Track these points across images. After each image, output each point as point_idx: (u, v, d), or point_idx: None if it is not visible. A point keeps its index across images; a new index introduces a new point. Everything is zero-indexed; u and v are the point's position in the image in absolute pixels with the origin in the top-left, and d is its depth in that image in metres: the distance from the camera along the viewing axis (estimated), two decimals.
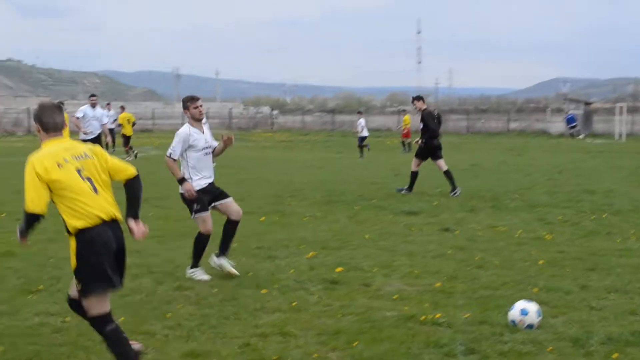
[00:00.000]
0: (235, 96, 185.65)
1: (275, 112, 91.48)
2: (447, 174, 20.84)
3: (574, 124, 62.16)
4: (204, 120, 11.16)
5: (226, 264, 10.97)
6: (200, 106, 10.96)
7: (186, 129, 10.91)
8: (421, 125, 21.23)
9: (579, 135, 61.11)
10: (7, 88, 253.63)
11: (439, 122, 21.51)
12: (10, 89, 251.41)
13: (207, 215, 10.92)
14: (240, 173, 27.38)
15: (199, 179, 10.89)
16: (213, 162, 11.25)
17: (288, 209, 17.51)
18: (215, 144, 11.19)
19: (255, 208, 17.60)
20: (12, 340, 7.69)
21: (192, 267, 10.91)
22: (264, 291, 9.79)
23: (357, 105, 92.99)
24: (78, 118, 24.58)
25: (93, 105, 25.00)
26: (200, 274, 10.79)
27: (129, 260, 11.53)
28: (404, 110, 57.17)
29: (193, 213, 10.96)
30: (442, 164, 21.01)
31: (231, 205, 11.18)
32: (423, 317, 8.50)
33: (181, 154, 10.85)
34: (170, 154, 10.83)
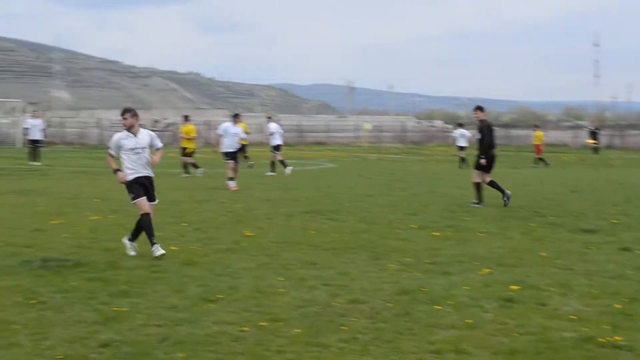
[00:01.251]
0: (409, 109, 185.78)
1: (449, 126, 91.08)
2: (492, 183, 21.36)
3: None
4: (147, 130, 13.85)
5: (128, 245, 13.41)
6: (125, 119, 13.47)
7: (118, 133, 13.66)
8: (479, 137, 21.58)
9: None
10: (187, 100, 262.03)
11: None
12: (190, 101, 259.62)
13: (142, 200, 13.32)
14: (414, 187, 27.34)
15: (131, 173, 13.36)
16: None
17: (462, 224, 17.36)
18: (149, 144, 13.64)
19: (429, 222, 17.56)
20: (193, 348, 7.89)
21: (129, 240, 13.49)
22: (438, 307, 9.73)
23: (533, 120, 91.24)
24: (219, 135, 27.16)
25: (235, 123, 27.33)
26: (130, 247, 13.37)
27: (304, 272, 11.79)
28: (536, 125, 54.21)
29: (132, 200, 13.46)
30: (488, 177, 21.43)
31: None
32: (602, 340, 8.26)
33: (117, 152, 13.48)
34: (109, 151, 13.62)
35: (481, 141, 21.44)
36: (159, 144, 13.88)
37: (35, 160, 40.15)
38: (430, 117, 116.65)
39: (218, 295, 10.20)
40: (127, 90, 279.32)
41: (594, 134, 62.08)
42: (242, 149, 27.64)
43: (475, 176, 21.52)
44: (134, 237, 13.47)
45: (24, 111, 63.47)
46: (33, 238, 14.58)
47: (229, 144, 26.87)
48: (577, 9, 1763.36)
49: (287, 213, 18.92)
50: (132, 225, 14.29)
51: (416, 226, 17.00)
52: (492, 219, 18.46)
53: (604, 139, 69.59)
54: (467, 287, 10.84)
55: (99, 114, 74.49)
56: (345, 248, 14.10)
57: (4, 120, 68.77)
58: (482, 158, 21.27)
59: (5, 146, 59.20)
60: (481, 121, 21.65)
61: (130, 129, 13.43)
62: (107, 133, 68.97)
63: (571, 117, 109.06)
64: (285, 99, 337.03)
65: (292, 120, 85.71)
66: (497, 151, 21.89)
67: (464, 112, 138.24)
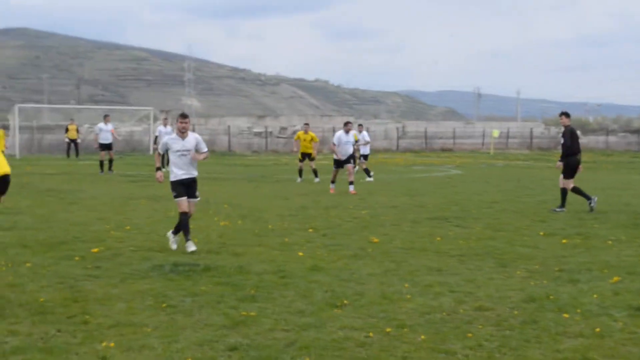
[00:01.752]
0: (536, 116, 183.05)
1: (578, 132, 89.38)
2: (575, 190, 21.81)
3: None
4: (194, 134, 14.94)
5: (172, 238, 14.56)
6: (184, 123, 14.46)
7: (168, 135, 15.01)
8: (562, 142, 22.16)
9: None
10: (314, 107, 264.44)
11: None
12: (317, 108, 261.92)
13: (182, 199, 14.36)
14: (543, 194, 26.96)
15: (177, 173, 14.47)
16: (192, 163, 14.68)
17: (591, 232, 17.06)
18: (195, 148, 14.56)
19: (557, 230, 17.32)
20: (319, 352, 7.98)
21: (173, 233, 14.64)
22: (565, 315, 9.60)
23: None
24: (334, 144, 27.57)
25: (347, 132, 27.64)
26: (172, 241, 14.49)
27: (430, 278, 11.77)
28: None
29: (174, 198, 14.50)
30: (571, 183, 21.81)
31: (190, 203, 14.55)
32: None
33: (164, 152, 14.84)
34: (157, 149, 15.26)
35: (563, 145, 22.01)
36: (204, 148, 14.83)
37: (166, 166, 40.96)
38: (558, 123, 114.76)
39: (344, 301, 10.28)
40: (256, 97, 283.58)
41: None
42: (352, 156, 27.66)
43: (560, 181, 22.17)
44: (176, 232, 14.62)
45: (155, 119, 64.88)
46: (164, 243, 14.92)
47: (342, 153, 27.32)
48: None
49: (413, 219, 18.92)
50: (260, 230, 14.50)
51: (544, 233, 16.79)
52: (622, 226, 18.09)
53: None
54: (596, 296, 10.67)
55: (228, 121, 75.63)
56: (471, 255, 14.03)
57: (137, 128, 70.53)
58: (560, 161, 22.04)
59: (138, 153, 60.65)
60: (565, 127, 22.17)
61: (181, 132, 14.47)
62: (236, 140, 70.08)
63: None
64: (411, 106, 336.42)
65: (418, 126, 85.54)
66: (580, 157, 22.19)
67: (593, 118, 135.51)
